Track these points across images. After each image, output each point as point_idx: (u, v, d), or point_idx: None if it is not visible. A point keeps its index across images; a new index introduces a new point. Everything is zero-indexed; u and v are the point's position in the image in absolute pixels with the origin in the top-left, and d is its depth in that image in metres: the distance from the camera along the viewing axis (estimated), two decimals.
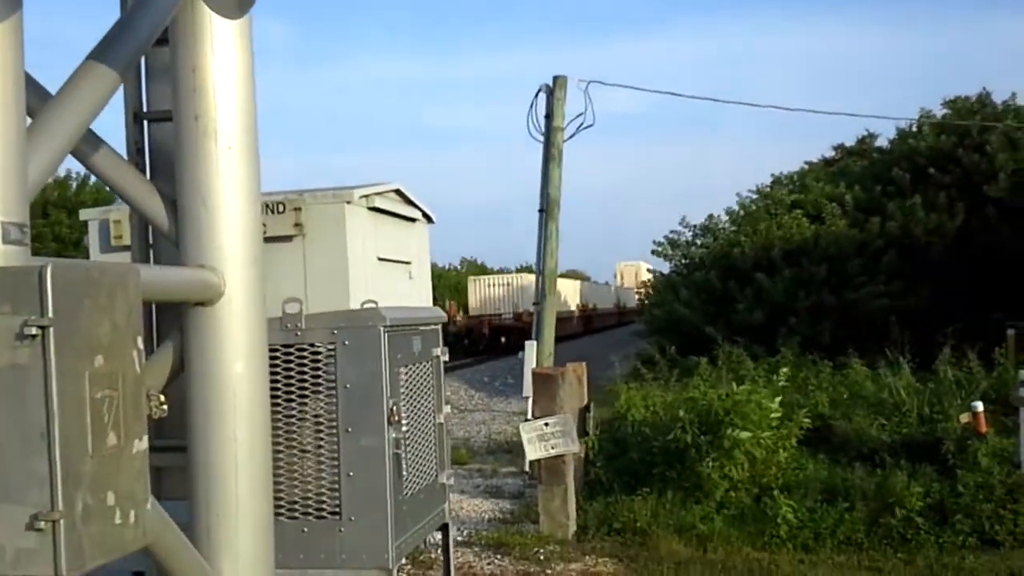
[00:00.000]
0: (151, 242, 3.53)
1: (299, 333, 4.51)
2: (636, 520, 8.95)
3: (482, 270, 54.41)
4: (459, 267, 54.40)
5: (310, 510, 4.67)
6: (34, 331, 2.16)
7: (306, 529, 4.67)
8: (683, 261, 25.58)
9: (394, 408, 4.63)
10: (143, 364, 2.51)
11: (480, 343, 31.98)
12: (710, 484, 9.25)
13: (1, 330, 2.19)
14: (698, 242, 25.12)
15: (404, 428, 4.80)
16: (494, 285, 35.17)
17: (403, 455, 4.77)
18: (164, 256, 3.47)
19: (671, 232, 25.86)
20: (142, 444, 2.55)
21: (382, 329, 4.52)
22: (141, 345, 2.49)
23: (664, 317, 23.93)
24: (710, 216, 25.24)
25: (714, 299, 22.22)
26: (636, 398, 12.00)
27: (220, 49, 2.90)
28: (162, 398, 2.78)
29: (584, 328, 41.81)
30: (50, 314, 2.16)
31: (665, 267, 28.40)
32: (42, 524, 2.27)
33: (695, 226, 25.21)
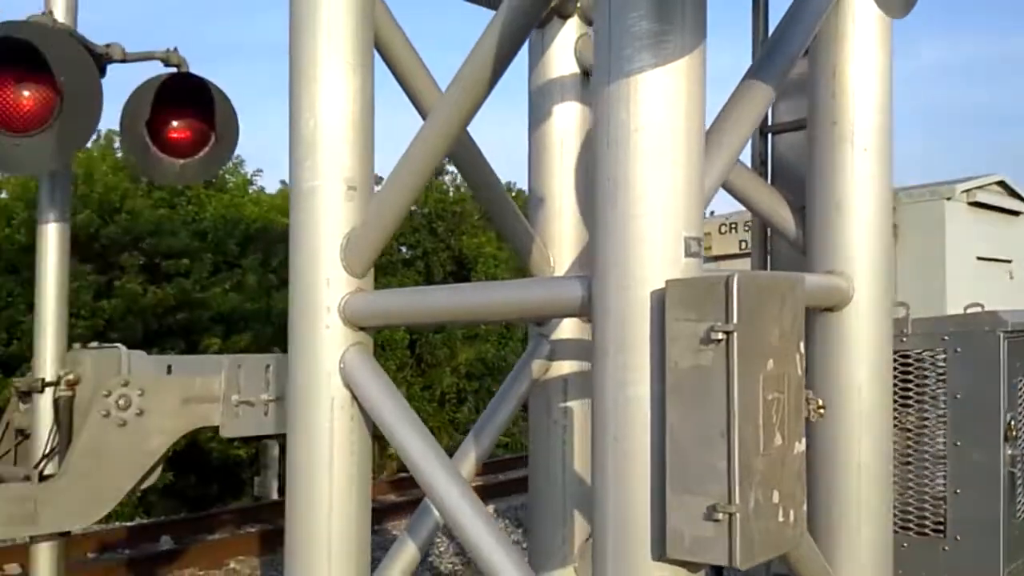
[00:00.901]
0: (768, 249, 3.65)
1: (905, 339, 4.34)
2: None
3: None
4: None
5: (910, 525, 4.46)
6: (719, 336, 2.32)
7: (905, 544, 4.47)
8: None
9: (1012, 422, 4.24)
10: (804, 368, 2.57)
11: None
12: None
13: (687, 335, 2.39)
14: None
15: (1020, 444, 4.36)
16: None
17: (1018, 474, 4.34)
18: (780, 262, 3.56)
19: None
20: (801, 446, 2.60)
21: (1002, 335, 4.16)
22: (803, 350, 2.55)
23: None
24: None
25: None
26: None
27: (860, 51, 2.88)
28: (820, 401, 2.82)
29: None
30: (735, 320, 2.31)
31: None
32: (719, 515, 2.41)
33: None
